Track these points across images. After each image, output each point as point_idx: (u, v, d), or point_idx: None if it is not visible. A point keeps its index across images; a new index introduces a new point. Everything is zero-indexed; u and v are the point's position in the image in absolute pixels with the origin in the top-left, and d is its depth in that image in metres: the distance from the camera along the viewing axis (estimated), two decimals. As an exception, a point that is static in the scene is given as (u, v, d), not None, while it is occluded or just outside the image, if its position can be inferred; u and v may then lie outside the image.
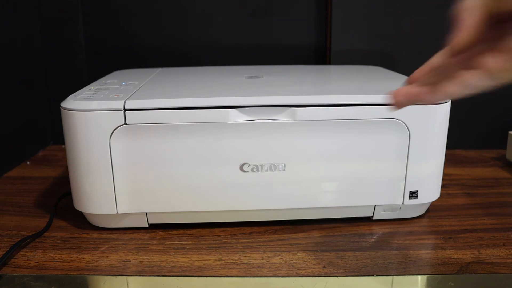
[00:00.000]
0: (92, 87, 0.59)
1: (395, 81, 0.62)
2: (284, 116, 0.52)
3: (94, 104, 0.50)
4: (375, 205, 0.57)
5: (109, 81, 0.63)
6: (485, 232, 0.55)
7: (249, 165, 0.53)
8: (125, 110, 0.50)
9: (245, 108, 0.51)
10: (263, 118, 0.52)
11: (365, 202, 0.56)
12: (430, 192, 0.56)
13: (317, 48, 0.86)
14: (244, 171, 0.53)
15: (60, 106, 0.52)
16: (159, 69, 0.75)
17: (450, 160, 0.80)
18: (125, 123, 0.51)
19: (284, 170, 0.53)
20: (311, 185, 0.54)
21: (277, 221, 0.57)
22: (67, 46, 0.87)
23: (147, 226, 0.57)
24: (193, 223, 0.57)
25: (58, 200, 0.63)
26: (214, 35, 0.86)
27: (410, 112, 0.52)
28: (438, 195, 0.57)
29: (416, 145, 0.53)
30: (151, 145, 0.52)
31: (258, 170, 0.53)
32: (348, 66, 0.79)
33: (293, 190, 0.54)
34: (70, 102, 0.51)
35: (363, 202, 0.56)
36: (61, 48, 0.87)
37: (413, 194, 0.55)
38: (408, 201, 0.55)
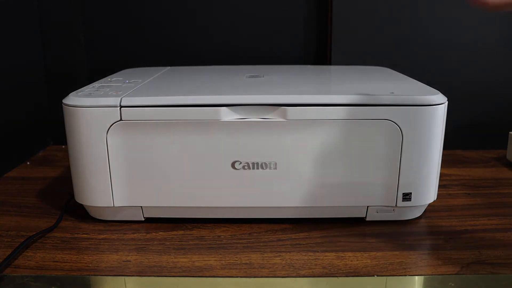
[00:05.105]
0: (96, 84, 0.60)
1: (395, 82, 0.62)
2: (274, 115, 0.52)
3: (92, 101, 0.52)
4: (367, 206, 0.56)
5: (115, 78, 0.64)
6: (485, 233, 0.55)
7: (241, 163, 0.53)
8: (121, 107, 0.52)
9: (235, 106, 0.52)
10: (253, 117, 0.52)
11: (357, 203, 0.55)
12: (425, 194, 0.55)
13: (318, 48, 0.86)
14: (235, 168, 0.53)
15: (62, 103, 0.54)
16: (167, 68, 0.76)
17: (450, 161, 0.80)
18: (121, 120, 0.52)
19: (275, 168, 0.53)
20: (301, 184, 0.54)
21: (277, 221, 0.57)
22: (67, 46, 0.87)
23: (143, 219, 0.58)
24: (193, 224, 0.57)
25: (69, 200, 0.62)
26: (214, 36, 0.86)
27: (402, 113, 0.51)
28: (435, 198, 0.57)
29: (409, 146, 0.52)
30: (145, 141, 0.53)
31: (249, 168, 0.53)
32: (349, 67, 0.78)
33: (282, 188, 0.54)
34: (71, 99, 0.53)
35: (354, 203, 0.56)
36: (61, 48, 0.87)
37: (406, 196, 0.55)
38: (402, 203, 0.55)
